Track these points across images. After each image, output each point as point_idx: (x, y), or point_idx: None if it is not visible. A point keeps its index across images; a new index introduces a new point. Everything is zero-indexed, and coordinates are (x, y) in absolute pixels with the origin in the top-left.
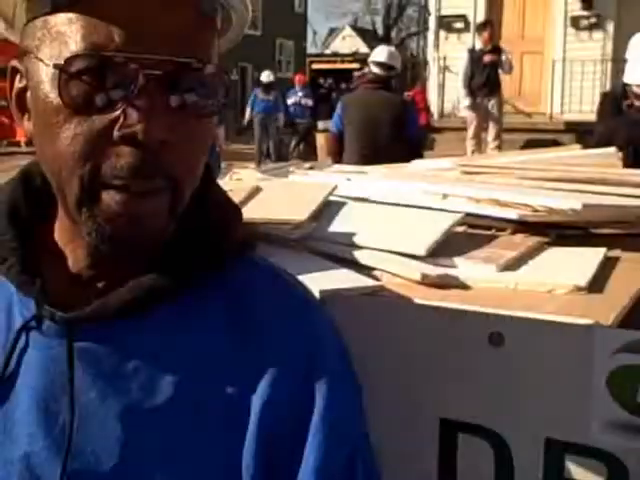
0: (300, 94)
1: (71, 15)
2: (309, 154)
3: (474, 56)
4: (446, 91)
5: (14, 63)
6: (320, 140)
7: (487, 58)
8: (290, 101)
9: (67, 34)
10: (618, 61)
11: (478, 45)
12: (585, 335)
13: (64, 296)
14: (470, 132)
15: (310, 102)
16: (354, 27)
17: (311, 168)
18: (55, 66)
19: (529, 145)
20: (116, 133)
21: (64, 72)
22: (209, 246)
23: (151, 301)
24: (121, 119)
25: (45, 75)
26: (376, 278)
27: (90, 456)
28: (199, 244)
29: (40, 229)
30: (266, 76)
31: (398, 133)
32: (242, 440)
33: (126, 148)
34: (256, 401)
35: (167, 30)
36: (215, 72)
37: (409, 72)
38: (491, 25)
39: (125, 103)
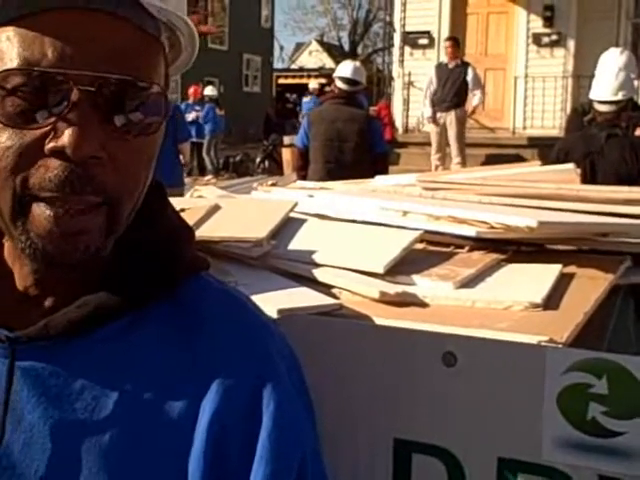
0: (197, 108)
1: (9, 32)
2: (274, 169)
3: (439, 70)
4: (411, 106)
5: None
6: (286, 155)
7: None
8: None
9: (4, 51)
10: (579, 77)
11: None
12: (536, 354)
13: (11, 314)
14: (433, 147)
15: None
16: (321, 42)
17: (274, 184)
18: None
19: (492, 160)
20: (46, 147)
21: None
22: (159, 265)
23: (98, 320)
24: (52, 133)
25: None
26: (335, 296)
27: (33, 477)
28: (149, 262)
29: None
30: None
31: (363, 148)
32: (187, 460)
33: (55, 161)
34: (202, 421)
35: (103, 48)
36: (159, 92)
37: (375, 87)
38: (454, 40)
39: (57, 118)
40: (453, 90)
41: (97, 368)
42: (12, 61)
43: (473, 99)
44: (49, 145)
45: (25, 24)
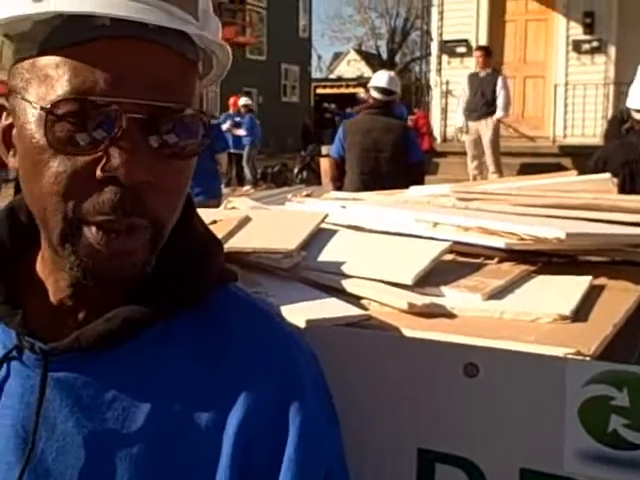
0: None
1: (58, 59)
2: (312, 179)
3: (471, 80)
4: (449, 115)
5: (1, 101)
6: (324, 165)
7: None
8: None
9: (54, 77)
10: (620, 85)
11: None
12: (556, 366)
13: (46, 326)
14: (469, 156)
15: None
16: (359, 51)
17: (308, 195)
18: (42, 109)
19: (531, 169)
20: (99, 173)
21: (50, 114)
22: (188, 278)
23: (128, 332)
24: (104, 159)
25: (32, 116)
26: (364, 307)
27: None
28: (177, 275)
29: (24, 261)
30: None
31: (399, 158)
32: (214, 472)
33: (107, 186)
34: (229, 433)
35: (150, 75)
36: (194, 113)
37: (413, 96)
38: (485, 49)
39: (107, 144)
40: (484, 99)
41: (127, 379)
42: (63, 88)
43: (497, 111)
44: (103, 172)
45: (76, 51)
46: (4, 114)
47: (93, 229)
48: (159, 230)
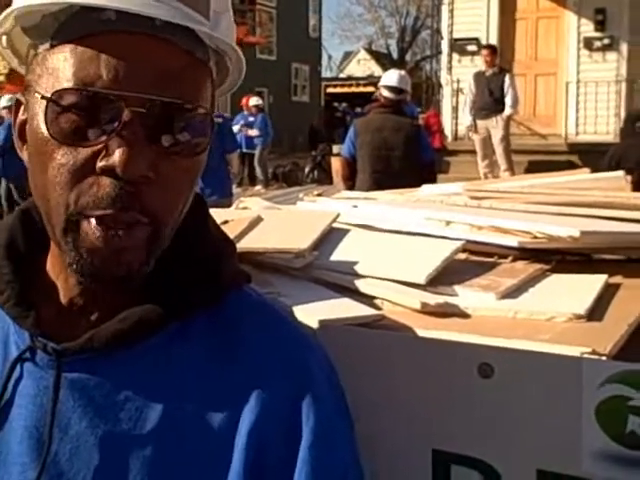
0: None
1: (66, 52)
2: (323, 179)
3: (477, 78)
4: (460, 114)
5: (19, 96)
6: (335, 164)
7: None
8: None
9: (60, 70)
10: (633, 82)
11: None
12: (573, 366)
13: (58, 327)
14: (479, 155)
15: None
16: (369, 50)
17: (319, 194)
18: (44, 98)
19: (543, 167)
20: (98, 165)
21: (52, 104)
22: (201, 278)
23: (141, 332)
24: (103, 152)
25: (39, 107)
26: (377, 307)
27: None
28: (191, 276)
29: (37, 262)
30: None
31: (410, 157)
32: (227, 472)
33: (106, 179)
34: (242, 433)
35: (154, 70)
36: (205, 114)
37: (424, 95)
38: (492, 48)
39: (109, 137)
40: (492, 98)
41: (140, 380)
42: (68, 80)
43: (505, 109)
44: (100, 163)
45: (83, 45)
46: (21, 109)
47: (92, 224)
48: (158, 229)
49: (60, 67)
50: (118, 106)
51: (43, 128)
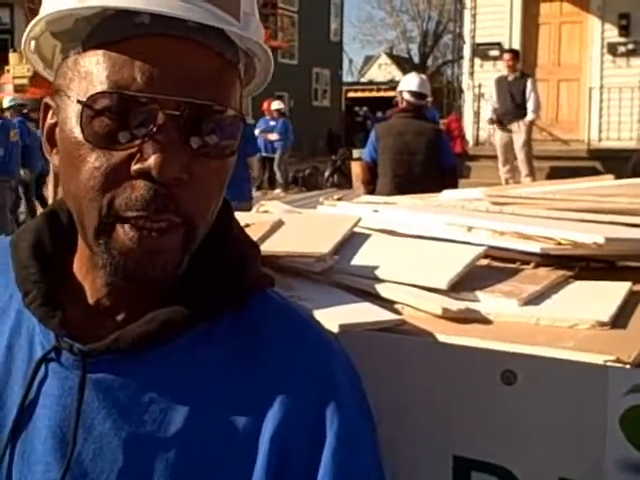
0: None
1: (99, 56)
2: (343, 183)
3: (499, 84)
4: (481, 119)
5: (47, 100)
6: (355, 169)
7: None
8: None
9: (94, 74)
10: None
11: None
12: (598, 374)
13: (84, 328)
14: (500, 160)
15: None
16: (390, 55)
17: (340, 199)
18: (79, 102)
19: (566, 173)
20: (132, 168)
21: (87, 108)
22: (226, 282)
23: (167, 334)
24: (138, 155)
25: (71, 111)
26: (398, 312)
27: None
28: (216, 279)
29: (63, 262)
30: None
31: (432, 161)
32: (250, 476)
33: (141, 182)
34: (265, 436)
35: (188, 73)
36: (235, 115)
37: (445, 99)
38: (514, 53)
39: (143, 140)
40: (514, 103)
41: (165, 382)
42: (102, 84)
43: (528, 114)
44: (135, 166)
45: (116, 48)
46: (50, 113)
47: (126, 226)
48: (192, 230)
49: (94, 71)
50: (152, 109)
51: (77, 132)
